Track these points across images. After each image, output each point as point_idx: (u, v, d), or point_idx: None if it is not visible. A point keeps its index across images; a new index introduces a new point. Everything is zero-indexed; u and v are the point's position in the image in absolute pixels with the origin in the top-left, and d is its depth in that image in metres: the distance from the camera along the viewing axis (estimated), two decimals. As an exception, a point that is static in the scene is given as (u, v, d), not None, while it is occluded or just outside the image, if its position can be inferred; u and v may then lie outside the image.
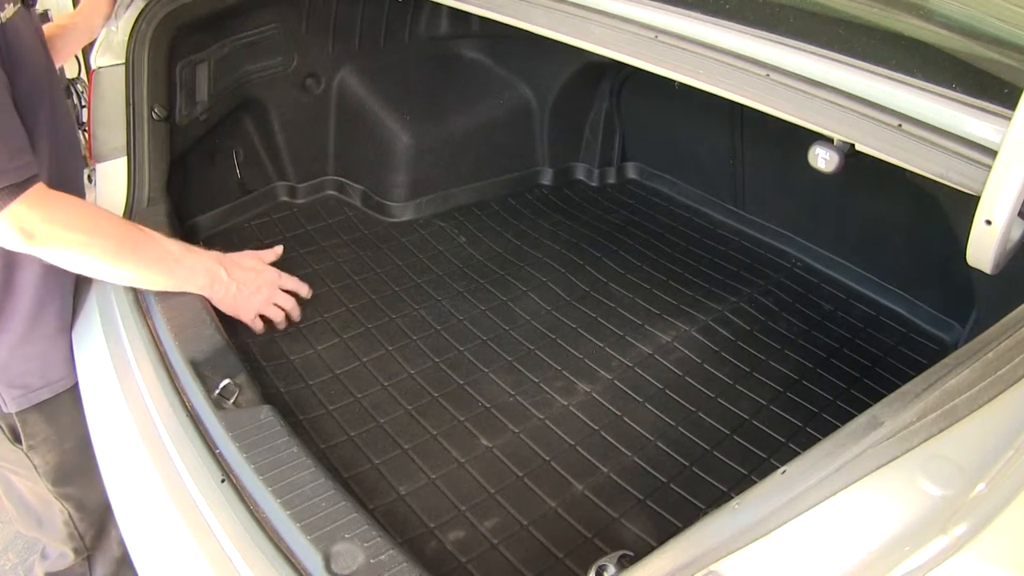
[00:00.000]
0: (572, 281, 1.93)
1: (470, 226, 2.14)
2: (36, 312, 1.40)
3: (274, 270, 1.55)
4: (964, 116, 0.90)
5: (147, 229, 1.36)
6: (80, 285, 1.48)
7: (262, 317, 1.55)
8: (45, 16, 2.85)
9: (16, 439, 1.47)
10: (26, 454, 1.49)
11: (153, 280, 1.34)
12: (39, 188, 1.18)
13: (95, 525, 1.65)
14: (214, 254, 1.44)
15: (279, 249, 1.60)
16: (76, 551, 1.66)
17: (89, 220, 1.27)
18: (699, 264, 2.04)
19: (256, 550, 0.99)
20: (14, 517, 1.71)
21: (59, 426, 1.47)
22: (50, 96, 1.36)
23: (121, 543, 1.68)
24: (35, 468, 1.51)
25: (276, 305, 1.55)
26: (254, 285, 1.49)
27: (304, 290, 1.61)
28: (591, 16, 1.21)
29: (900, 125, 0.93)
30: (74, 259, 1.26)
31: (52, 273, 1.37)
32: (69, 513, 1.60)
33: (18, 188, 1.14)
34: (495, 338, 1.72)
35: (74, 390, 1.46)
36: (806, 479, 0.71)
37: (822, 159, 1.01)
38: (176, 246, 1.38)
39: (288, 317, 1.60)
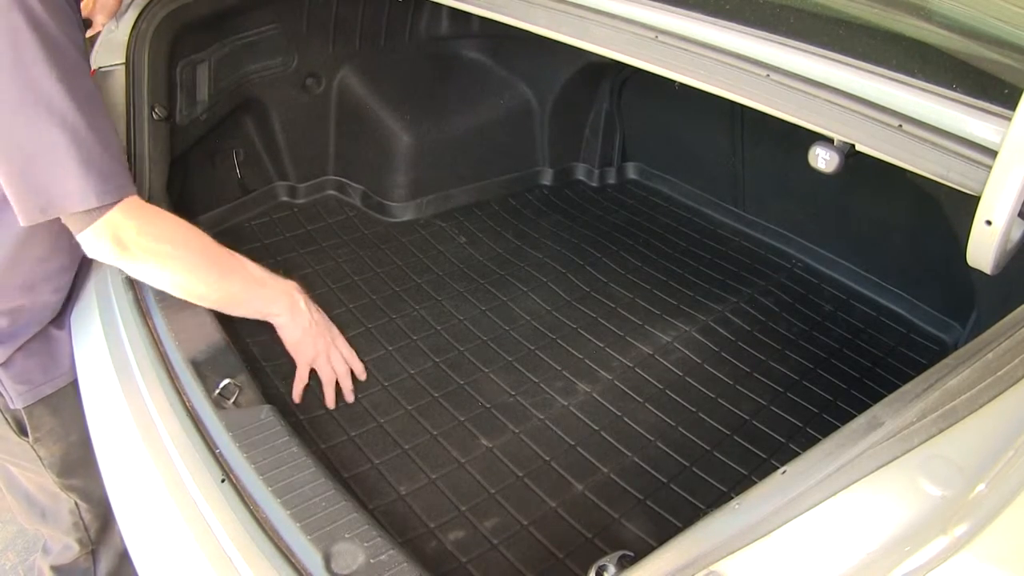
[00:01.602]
0: (572, 281, 1.93)
1: (470, 226, 2.14)
2: (41, 309, 1.41)
3: (334, 333, 1.49)
4: (964, 116, 0.89)
5: (232, 251, 1.34)
6: (78, 283, 1.49)
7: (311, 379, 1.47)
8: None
9: (22, 432, 1.48)
10: (32, 446, 1.50)
11: (237, 301, 1.33)
12: (135, 199, 1.18)
13: (100, 517, 1.65)
14: (295, 284, 1.41)
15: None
16: (81, 543, 1.67)
17: (180, 235, 1.26)
18: (699, 264, 2.04)
19: (256, 550, 0.99)
20: (17, 511, 1.72)
21: (64, 418, 1.49)
22: None
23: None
24: (40, 460, 1.52)
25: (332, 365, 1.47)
26: (324, 326, 1.46)
27: (359, 368, 1.52)
28: (591, 16, 1.21)
29: (900, 125, 0.93)
30: (160, 275, 1.25)
31: (56, 269, 1.39)
32: (76, 503, 1.61)
33: (122, 196, 1.15)
34: (495, 338, 1.72)
35: (77, 383, 1.47)
36: (806, 479, 0.71)
37: (822, 159, 1.01)
38: (259, 270, 1.37)
39: (339, 385, 1.48)
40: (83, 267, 1.49)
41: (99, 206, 1.13)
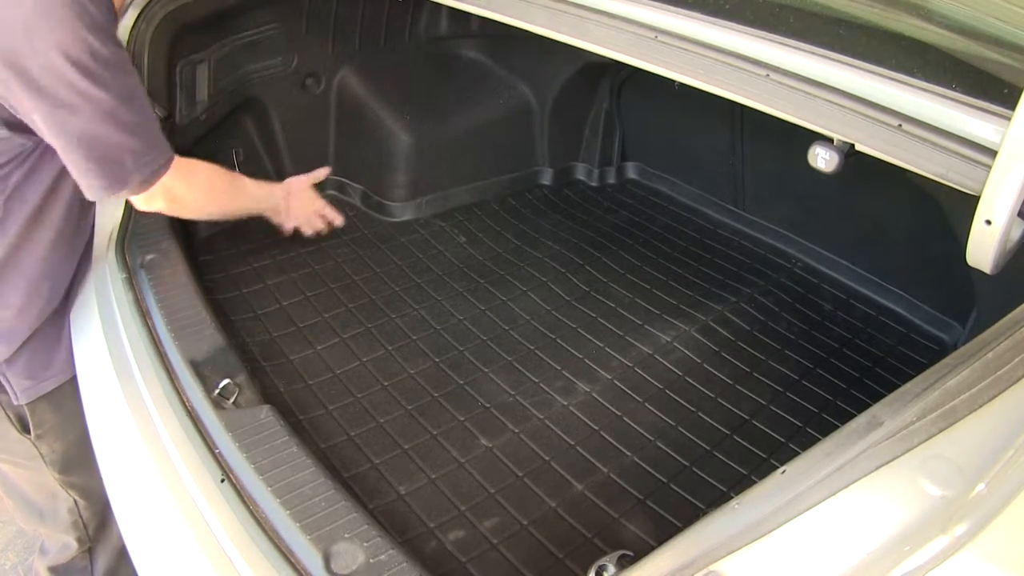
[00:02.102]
0: (572, 281, 1.93)
1: (470, 226, 2.14)
2: (44, 304, 1.43)
3: (319, 201, 1.82)
4: (964, 116, 0.90)
5: (232, 173, 1.60)
6: (77, 281, 1.49)
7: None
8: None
9: (24, 429, 1.49)
10: (33, 443, 1.51)
11: (243, 213, 1.65)
12: (175, 160, 1.36)
13: (98, 515, 1.66)
14: (280, 188, 1.73)
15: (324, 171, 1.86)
16: (79, 541, 1.67)
17: (213, 181, 1.51)
18: (699, 264, 2.04)
19: (256, 550, 0.99)
20: (14, 512, 1.72)
21: (65, 415, 1.50)
22: None
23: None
24: (42, 457, 1.53)
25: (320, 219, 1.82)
26: (301, 210, 1.79)
27: (338, 220, 1.85)
28: (591, 16, 1.21)
29: (900, 125, 0.93)
30: (199, 212, 1.56)
31: (57, 264, 1.42)
32: (75, 501, 1.62)
33: (170, 161, 1.34)
34: (495, 338, 1.72)
35: (76, 380, 1.48)
36: (806, 479, 0.70)
37: (822, 159, 1.01)
38: (255, 185, 1.66)
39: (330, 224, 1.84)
40: (82, 266, 1.50)
41: (156, 169, 1.32)
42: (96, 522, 1.67)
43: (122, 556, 1.72)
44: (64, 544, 1.68)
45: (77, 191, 1.35)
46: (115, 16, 1.30)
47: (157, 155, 1.32)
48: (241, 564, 0.99)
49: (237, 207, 1.62)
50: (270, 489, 1.05)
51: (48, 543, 1.73)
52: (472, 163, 2.26)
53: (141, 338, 1.32)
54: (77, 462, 1.56)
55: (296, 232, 1.79)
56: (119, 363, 1.31)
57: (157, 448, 1.16)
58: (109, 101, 1.21)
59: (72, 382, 1.48)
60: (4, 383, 1.43)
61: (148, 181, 1.32)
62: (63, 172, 1.34)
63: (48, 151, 1.30)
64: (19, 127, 1.24)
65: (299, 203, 1.77)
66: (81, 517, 1.64)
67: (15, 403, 1.45)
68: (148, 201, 1.38)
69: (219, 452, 1.12)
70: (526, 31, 1.29)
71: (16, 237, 1.34)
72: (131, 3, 1.58)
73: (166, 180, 1.34)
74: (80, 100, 1.19)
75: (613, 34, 1.18)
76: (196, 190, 1.46)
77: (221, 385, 1.22)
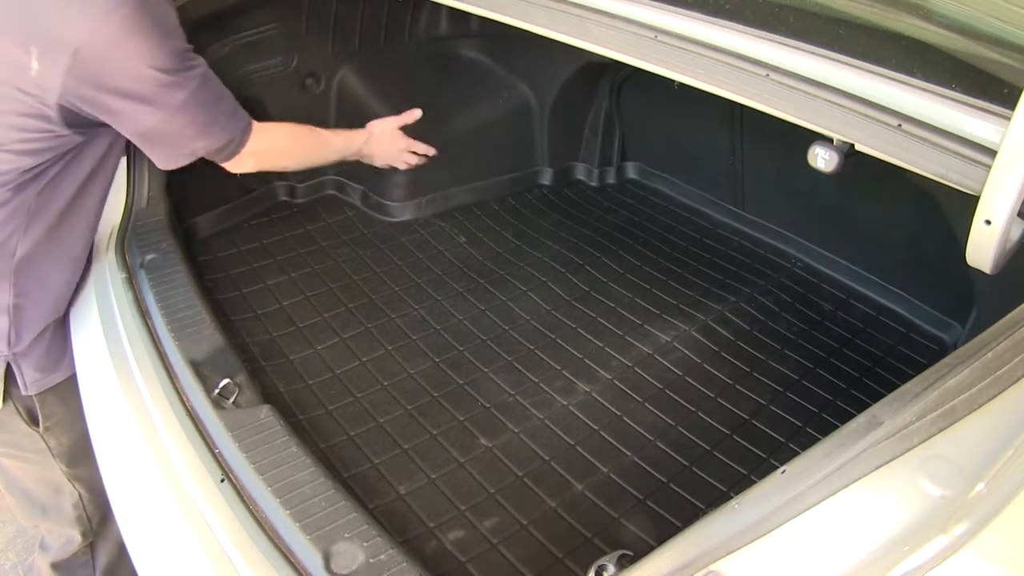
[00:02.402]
0: (572, 281, 1.93)
1: (470, 226, 2.14)
2: (56, 297, 1.44)
3: (404, 140, 1.91)
4: (964, 116, 0.89)
5: (311, 128, 1.70)
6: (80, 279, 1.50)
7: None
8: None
9: (33, 421, 1.50)
10: (42, 436, 1.52)
11: (331, 159, 1.80)
12: (255, 124, 1.47)
13: (101, 508, 1.66)
14: (361, 133, 1.84)
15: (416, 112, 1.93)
16: (83, 534, 1.68)
17: (291, 138, 1.64)
18: (699, 264, 2.04)
19: (256, 550, 0.99)
20: (16, 509, 1.72)
21: (73, 407, 1.50)
22: None
23: None
24: (49, 450, 1.54)
25: (411, 155, 1.94)
26: (389, 144, 1.90)
27: (426, 148, 1.96)
28: (591, 16, 1.21)
29: (900, 125, 0.93)
30: (286, 166, 1.74)
31: (79, 261, 1.46)
32: (80, 494, 1.62)
33: (250, 127, 1.45)
34: (495, 338, 1.72)
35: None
36: (806, 479, 0.71)
37: (822, 159, 1.01)
38: (335, 135, 1.79)
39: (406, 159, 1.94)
40: (85, 264, 1.50)
41: (239, 139, 1.43)
42: (99, 515, 1.68)
43: (123, 550, 1.73)
44: (67, 539, 1.69)
45: (105, 188, 1.46)
46: (173, 5, 1.39)
47: (236, 123, 1.43)
48: (241, 564, 0.99)
49: (320, 157, 1.77)
50: (270, 489, 1.05)
51: (49, 539, 1.73)
52: (472, 163, 2.26)
53: (141, 338, 1.32)
54: (84, 455, 1.56)
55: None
56: (119, 363, 1.31)
57: (157, 448, 1.17)
58: (192, 87, 1.32)
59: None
60: (16, 374, 1.43)
61: (232, 151, 1.43)
62: (95, 168, 1.40)
63: (85, 147, 1.34)
64: (80, 123, 1.28)
65: (383, 145, 1.88)
66: (85, 510, 1.65)
67: (24, 394, 1.46)
68: (238, 164, 1.49)
69: (219, 452, 1.12)
70: (526, 31, 1.29)
71: (46, 229, 1.36)
72: None
73: (250, 144, 1.45)
74: (167, 94, 1.29)
75: (613, 34, 1.18)
76: (279, 150, 1.60)
77: (221, 385, 1.22)
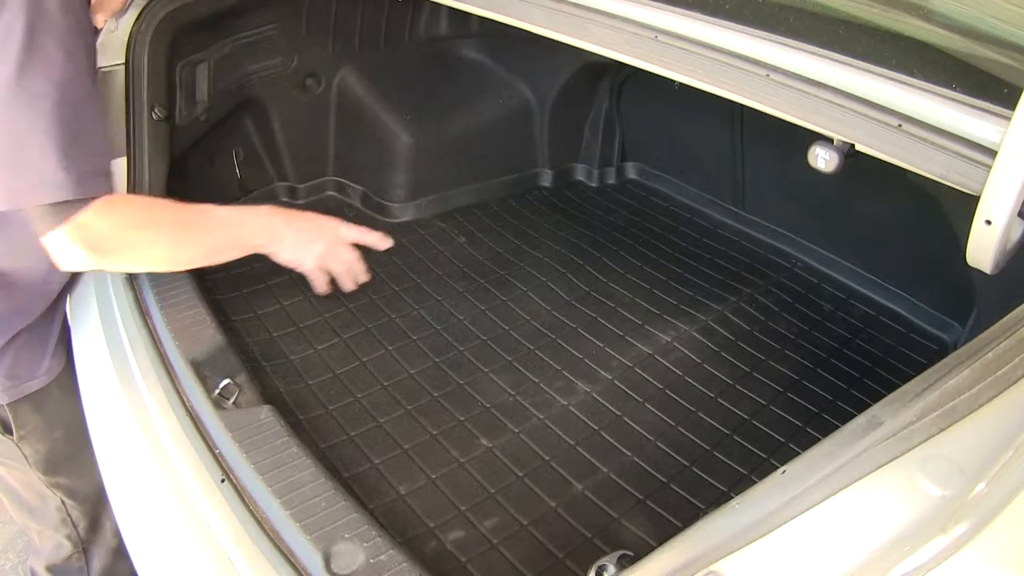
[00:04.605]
0: (572, 281, 1.93)
1: (470, 226, 2.14)
2: (23, 302, 1.40)
3: (336, 220, 1.49)
4: (964, 116, 0.89)
5: (194, 205, 1.31)
6: (76, 279, 1.49)
7: (332, 284, 1.54)
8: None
9: (7, 430, 1.48)
10: (17, 444, 1.50)
11: (222, 251, 1.35)
12: (108, 197, 1.11)
13: (88, 514, 1.65)
14: (268, 208, 1.44)
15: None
16: (71, 540, 1.67)
17: (153, 217, 1.22)
18: (699, 264, 2.04)
19: (256, 550, 0.99)
20: (10, 509, 1.72)
21: (47, 416, 1.48)
22: None
23: (117, 533, 1.68)
24: (25, 458, 1.52)
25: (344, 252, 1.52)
26: (313, 233, 1.46)
27: (376, 239, 1.54)
28: (591, 16, 1.21)
29: (900, 125, 0.93)
30: (146, 261, 1.24)
31: (31, 262, 1.34)
32: (62, 500, 1.61)
33: (93, 193, 1.07)
34: (495, 338, 1.72)
35: (60, 379, 1.47)
36: (806, 479, 0.71)
37: (822, 159, 1.01)
38: (228, 212, 1.38)
39: (354, 272, 1.54)
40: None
41: (72, 199, 1.05)
42: (86, 522, 1.66)
43: (118, 555, 1.72)
44: (57, 543, 1.68)
45: None
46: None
47: (86, 180, 1.04)
48: (241, 564, 0.99)
49: (204, 247, 1.31)
50: (270, 489, 1.05)
51: (40, 541, 1.72)
52: (472, 164, 2.26)
53: (141, 338, 1.32)
54: (61, 463, 1.55)
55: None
56: (119, 363, 1.31)
57: (157, 448, 1.17)
58: (52, 86, 1.00)
59: (54, 384, 1.46)
60: None
61: (59, 209, 1.04)
62: None
63: None
64: None
65: (303, 226, 1.43)
66: (70, 516, 1.64)
67: None
68: (64, 244, 1.09)
69: (219, 452, 1.12)
70: (526, 31, 1.29)
71: (19, 237, 1.27)
72: (131, 3, 1.58)
73: (87, 217, 1.07)
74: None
75: (613, 34, 1.18)
76: (131, 231, 1.17)
77: (221, 385, 1.22)
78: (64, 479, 1.58)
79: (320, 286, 1.51)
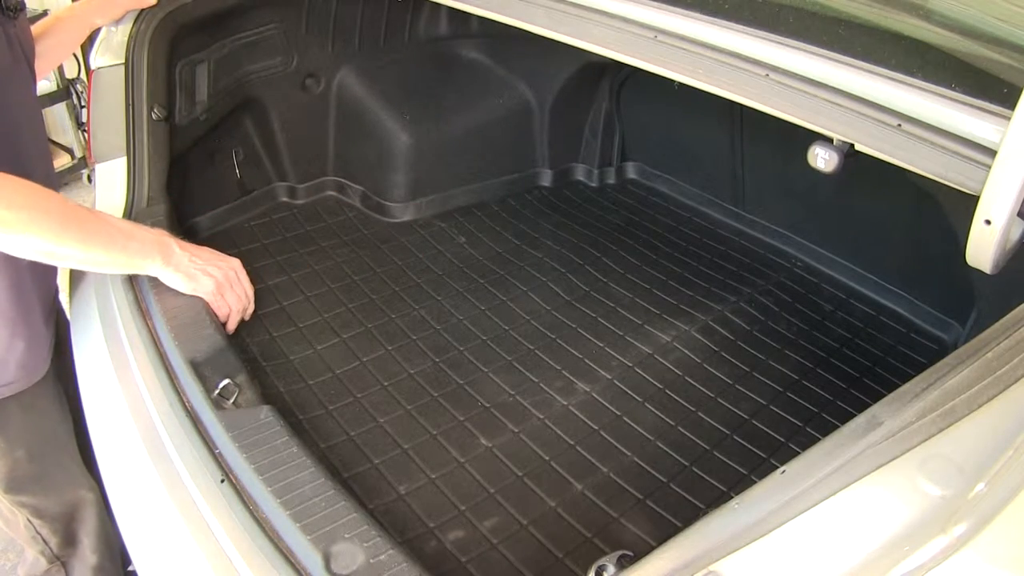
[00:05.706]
0: (572, 281, 1.93)
1: (470, 226, 2.14)
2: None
3: (235, 261, 1.46)
4: (964, 116, 0.90)
5: (93, 209, 1.25)
6: (76, 280, 1.48)
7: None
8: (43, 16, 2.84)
9: None
10: None
11: (103, 258, 1.26)
12: None
13: (59, 532, 1.61)
14: (163, 231, 1.37)
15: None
16: (45, 556, 1.63)
17: (38, 200, 1.14)
18: (699, 264, 2.04)
19: (256, 550, 0.99)
20: None
21: (8, 434, 1.42)
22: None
23: (96, 551, 1.66)
24: None
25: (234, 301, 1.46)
26: (210, 263, 1.40)
27: (247, 304, 1.51)
28: (591, 16, 1.21)
29: (900, 125, 0.93)
30: (18, 243, 1.14)
31: (22, 277, 1.31)
32: (28, 519, 1.56)
33: None
34: (495, 338, 1.72)
35: (22, 398, 1.38)
36: (806, 479, 0.71)
37: (822, 159, 1.01)
38: (125, 224, 1.31)
39: (247, 312, 1.50)
40: (47, 282, 1.43)
41: None
42: (58, 539, 1.61)
43: (99, 572, 1.69)
44: (34, 559, 1.65)
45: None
46: None
47: None
48: (241, 564, 0.99)
49: (87, 244, 1.22)
50: (270, 489, 1.05)
51: (25, 551, 1.69)
52: (472, 164, 2.26)
53: (141, 338, 1.32)
54: (24, 483, 1.48)
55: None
56: (119, 363, 1.31)
57: (157, 448, 1.16)
58: None
59: (15, 400, 1.38)
60: None
61: None
62: None
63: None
64: None
65: (199, 253, 1.37)
66: (39, 533, 1.59)
67: None
68: None
69: (219, 452, 1.12)
70: (526, 31, 1.29)
71: None
72: (127, 14, 1.57)
73: None
74: None
75: (613, 34, 1.18)
76: (6, 208, 1.09)
77: (221, 385, 1.22)
78: (28, 498, 1.52)
79: (221, 316, 1.44)
